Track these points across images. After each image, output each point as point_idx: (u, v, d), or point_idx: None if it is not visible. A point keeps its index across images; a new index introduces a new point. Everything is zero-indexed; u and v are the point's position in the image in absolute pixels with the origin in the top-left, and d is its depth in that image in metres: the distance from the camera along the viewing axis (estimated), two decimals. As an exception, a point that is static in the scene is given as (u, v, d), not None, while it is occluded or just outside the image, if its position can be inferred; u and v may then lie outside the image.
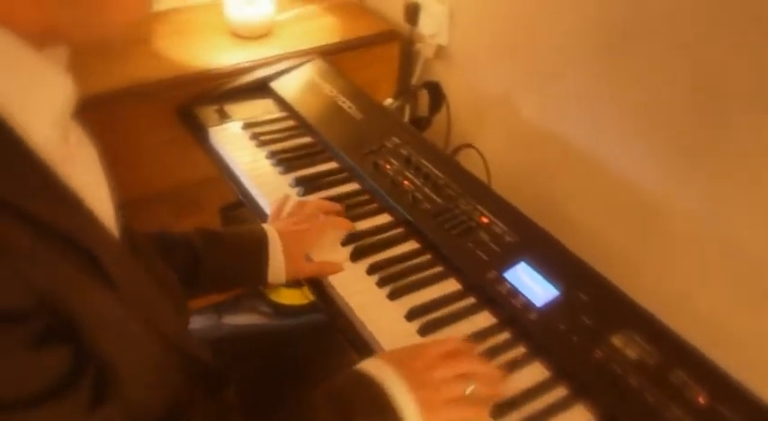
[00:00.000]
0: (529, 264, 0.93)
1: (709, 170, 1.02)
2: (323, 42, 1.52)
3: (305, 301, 1.65)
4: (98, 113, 1.15)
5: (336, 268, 0.94)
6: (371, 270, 0.95)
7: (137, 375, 0.55)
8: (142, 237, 0.74)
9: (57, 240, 0.47)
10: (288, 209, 1.04)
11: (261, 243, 0.93)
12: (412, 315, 0.88)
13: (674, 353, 0.80)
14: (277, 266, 0.93)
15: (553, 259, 0.94)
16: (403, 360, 0.72)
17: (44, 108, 0.50)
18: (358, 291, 0.91)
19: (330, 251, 0.97)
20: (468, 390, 0.72)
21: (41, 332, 0.44)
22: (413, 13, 1.47)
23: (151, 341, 0.58)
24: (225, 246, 0.93)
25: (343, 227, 1.01)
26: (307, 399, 0.67)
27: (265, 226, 0.97)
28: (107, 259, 0.51)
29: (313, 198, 1.07)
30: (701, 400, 0.75)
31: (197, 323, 1.12)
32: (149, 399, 0.57)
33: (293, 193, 1.10)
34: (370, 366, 0.71)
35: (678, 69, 1.01)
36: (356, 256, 0.97)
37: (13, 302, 0.42)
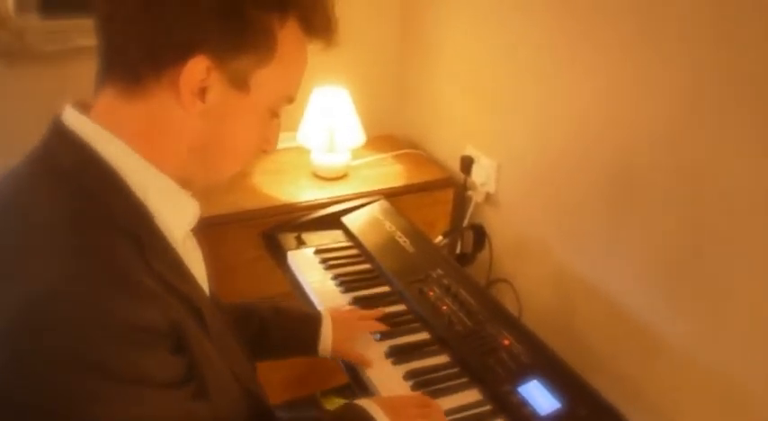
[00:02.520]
0: (540, 381, 1.11)
1: (704, 305, 1.19)
2: (389, 185, 1.80)
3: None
4: (207, 232, 1.46)
5: (369, 363, 1.17)
6: (408, 376, 1.15)
7: (220, 398, 0.77)
8: (225, 305, 1.02)
9: (181, 297, 0.72)
10: (345, 308, 1.32)
11: (317, 321, 1.19)
12: (437, 416, 1.07)
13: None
14: (325, 340, 1.17)
15: (561, 378, 1.11)
16: (387, 403, 0.97)
17: (182, 220, 0.79)
18: (393, 390, 1.12)
19: (366, 347, 1.21)
20: None
21: (172, 346, 0.68)
22: (467, 165, 1.72)
23: (231, 380, 0.81)
24: (288, 319, 1.19)
25: (374, 329, 1.25)
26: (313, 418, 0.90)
27: (322, 310, 1.24)
28: (207, 313, 0.76)
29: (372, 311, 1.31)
30: None
31: None
32: (224, 419, 0.79)
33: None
34: (363, 403, 0.95)
35: (677, 219, 1.22)
36: (397, 362, 1.18)
37: (160, 322, 0.66)
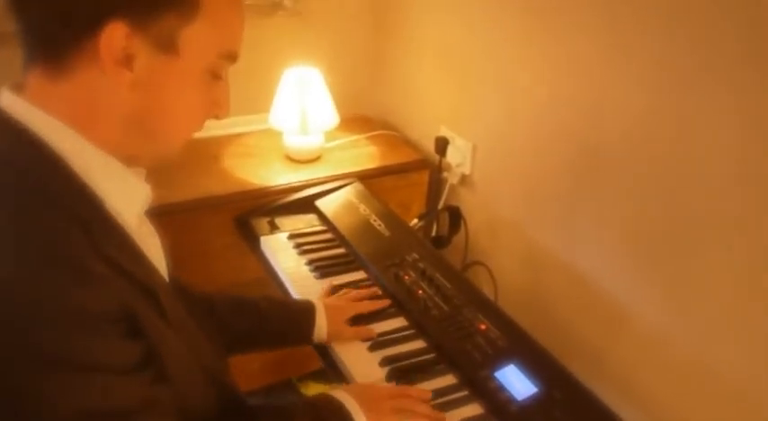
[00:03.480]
0: (516, 366, 1.10)
1: (671, 283, 1.20)
2: (364, 167, 1.78)
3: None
4: (176, 218, 1.44)
5: (371, 333, 1.20)
6: (384, 362, 1.14)
7: (183, 384, 0.75)
8: (196, 294, 1.02)
9: (134, 281, 0.69)
10: (329, 289, 1.32)
11: (310, 310, 1.18)
12: (414, 402, 1.06)
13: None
14: (320, 328, 1.18)
15: (537, 362, 1.11)
16: (362, 393, 0.98)
17: (132, 203, 0.76)
18: (368, 376, 1.11)
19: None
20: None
21: (125, 330, 0.66)
22: (442, 146, 1.71)
23: (195, 365, 0.79)
24: (284, 310, 1.19)
25: (372, 308, 1.26)
26: (284, 406, 0.92)
27: (315, 299, 1.23)
28: (163, 298, 0.73)
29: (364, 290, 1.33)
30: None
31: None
32: (190, 407, 0.77)
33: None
34: (336, 393, 0.96)
35: (649, 200, 1.22)
36: (373, 348, 1.17)
37: (111, 307, 0.64)
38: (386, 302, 1.28)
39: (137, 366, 0.68)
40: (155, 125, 0.73)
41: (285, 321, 1.18)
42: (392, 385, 1.10)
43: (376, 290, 1.32)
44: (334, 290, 1.32)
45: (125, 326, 0.66)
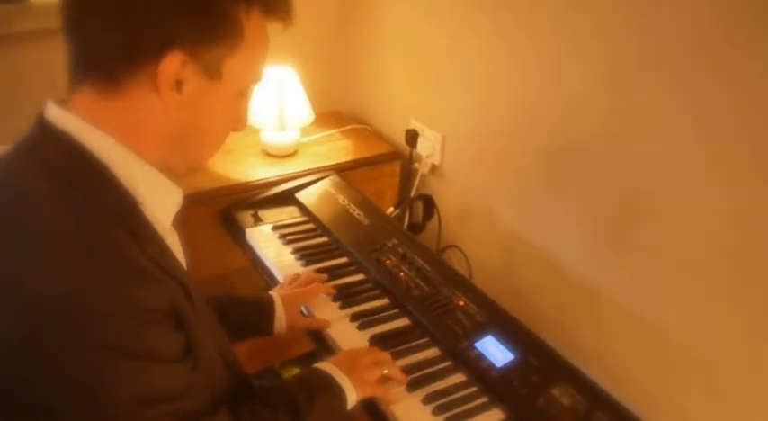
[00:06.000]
0: (494, 336, 1.21)
1: (636, 261, 1.32)
2: (338, 160, 1.86)
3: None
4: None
5: (325, 324, 1.27)
6: (373, 340, 1.23)
7: (210, 369, 0.83)
8: None
9: (175, 280, 0.77)
10: (288, 278, 1.38)
11: (270, 304, 1.26)
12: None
13: (598, 401, 1.07)
14: (280, 320, 1.25)
15: (513, 333, 1.22)
16: (342, 359, 1.10)
17: (169, 208, 0.85)
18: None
19: (322, 309, 1.31)
20: (385, 371, 1.10)
21: (173, 324, 0.74)
22: (412, 138, 1.78)
23: (215, 352, 0.87)
24: (244, 305, 1.25)
25: (324, 291, 1.34)
26: (282, 384, 1.01)
27: (272, 292, 1.30)
28: (193, 292, 0.82)
29: (309, 269, 1.41)
30: (614, 435, 1.01)
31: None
32: (214, 390, 0.85)
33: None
34: (321, 365, 1.07)
35: (610, 185, 1.33)
36: (362, 327, 1.26)
37: (163, 303, 0.72)
38: (331, 289, 1.35)
39: (182, 355, 0.76)
40: (194, 139, 0.82)
41: (248, 318, 1.25)
42: (366, 347, 1.21)
43: (323, 276, 1.39)
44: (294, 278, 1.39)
45: (173, 320, 0.75)
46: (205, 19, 0.73)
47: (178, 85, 0.74)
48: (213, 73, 0.77)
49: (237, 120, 0.86)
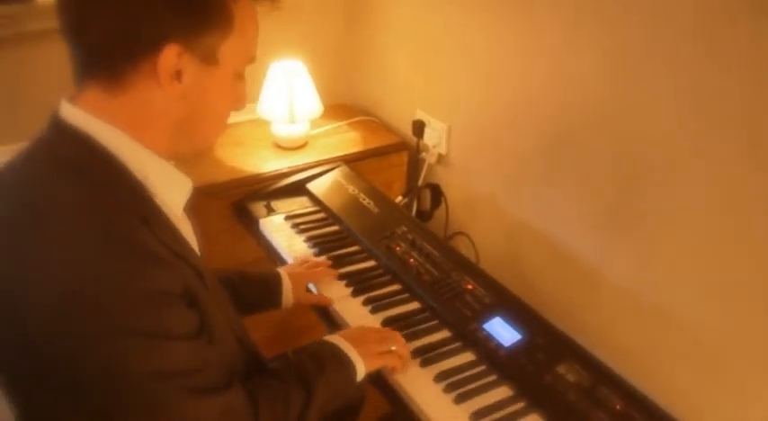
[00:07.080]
0: (502, 317, 1.25)
1: (635, 244, 1.36)
2: (348, 151, 1.91)
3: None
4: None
5: (328, 301, 1.34)
6: (385, 322, 1.28)
7: (223, 347, 0.88)
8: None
9: (187, 263, 0.83)
10: (297, 260, 1.45)
11: (278, 279, 1.33)
12: (415, 355, 1.20)
13: (601, 377, 1.12)
14: (287, 294, 1.32)
15: (519, 314, 1.26)
16: (350, 333, 1.15)
17: (179, 195, 0.90)
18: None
19: (330, 289, 1.38)
20: (392, 348, 1.13)
21: (186, 304, 0.79)
22: (419, 129, 1.84)
23: (228, 329, 0.92)
24: (254, 279, 1.32)
25: (330, 274, 1.40)
26: (293, 358, 1.05)
27: (279, 269, 1.37)
28: (205, 274, 0.87)
29: (321, 259, 1.46)
30: (618, 408, 1.06)
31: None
32: (228, 366, 0.90)
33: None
34: (329, 338, 1.11)
35: (610, 170, 1.37)
36: (375, 310, 1.31)
37: (177, 285, 0.77)
38: (335, 272, 1.42)
39: (196, 333, 0.81)
40: (198, 125, 0.87)
41: (256, 290, 1.31)
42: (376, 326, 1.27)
43: (327, 261, 1.45)
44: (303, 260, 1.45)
45: (185, 300, 0.80)
46: (195, 11, 0.78)
47: (178, 74, 0.79)
48: (209, 59, 0.81)
49: (237, 100, 0.91)
